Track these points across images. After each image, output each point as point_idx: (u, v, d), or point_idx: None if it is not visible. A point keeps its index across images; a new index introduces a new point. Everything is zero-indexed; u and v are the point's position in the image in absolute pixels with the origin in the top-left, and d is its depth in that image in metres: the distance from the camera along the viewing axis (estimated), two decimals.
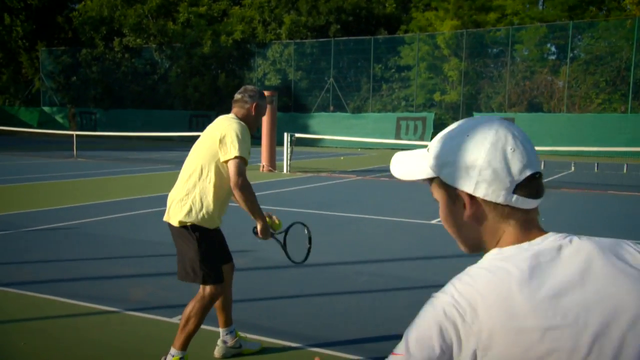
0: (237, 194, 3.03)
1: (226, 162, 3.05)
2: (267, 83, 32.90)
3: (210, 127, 3.26)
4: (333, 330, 3.91)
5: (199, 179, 3.11)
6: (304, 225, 3.43)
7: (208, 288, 3.13)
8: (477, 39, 29.26)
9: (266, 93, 15.61)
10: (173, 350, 3.16)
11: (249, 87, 3.40)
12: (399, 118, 29.47)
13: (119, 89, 37.58)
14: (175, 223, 3.11)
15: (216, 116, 3.33)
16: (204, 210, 3.10)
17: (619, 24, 26.92)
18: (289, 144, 15.31)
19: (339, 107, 31.67)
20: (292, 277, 5.23)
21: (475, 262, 1.02)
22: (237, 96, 3.36)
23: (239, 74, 34.16)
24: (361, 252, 6.30)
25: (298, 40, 32.73)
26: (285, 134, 15.47)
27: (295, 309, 4.35)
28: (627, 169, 16.80)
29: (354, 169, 16.67)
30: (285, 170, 15.09)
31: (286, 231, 3.38)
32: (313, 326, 3.99)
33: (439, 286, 4.14)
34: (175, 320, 3.99)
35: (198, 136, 3.51)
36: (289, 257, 3.39)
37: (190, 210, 3.08)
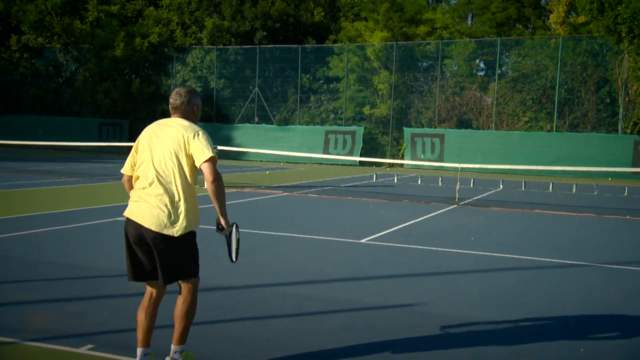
0: (213, 188, 3.43)
1: (201, 164, 3.45)
2: None
3: (166, 129, 3.53)
4: (260, 358, 3.89)
5: (181, 182, 3.44)
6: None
7: (195, 279, 3.56)
8: (407, 52, 30.35)
9: None
10: (178, 347, 3.57)
11: (182, 89, 3.66)
12: (327, 131, 29.91)
13: (17, 93, 35.68)
14: (176, 234, 3.39)
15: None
16: (196, 213, 3.52)
17: (544, 42, 28.88)
18: None
19: (265, 119, 31.71)
20: (214, 300, 5.16)
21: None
22: (176, 102, 3.63)
23: (156, 80, 33.42)
24: (288, 273, 6.32)
25: (221, 46, 32.55)
26: None
27: (219, 335, 4.30)
28: (552, 188, 17.92)
29: (280, 184, 16.71)
30: (206, 185, 14.88)
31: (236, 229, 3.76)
32: (238, 353, 3.96)
33: (371, 308, 4.31)
34: (83, 350, 3.83)
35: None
36: (233, 255, 3.72)
37: (188, 217, 3.44)
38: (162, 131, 3.53)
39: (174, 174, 3.43)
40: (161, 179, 3.42)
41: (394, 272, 6.58)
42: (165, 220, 3.37)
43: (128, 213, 3.48)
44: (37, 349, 3.85)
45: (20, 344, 3.91)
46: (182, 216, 3.41)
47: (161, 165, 3.44)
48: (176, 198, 3.41)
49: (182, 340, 3.58)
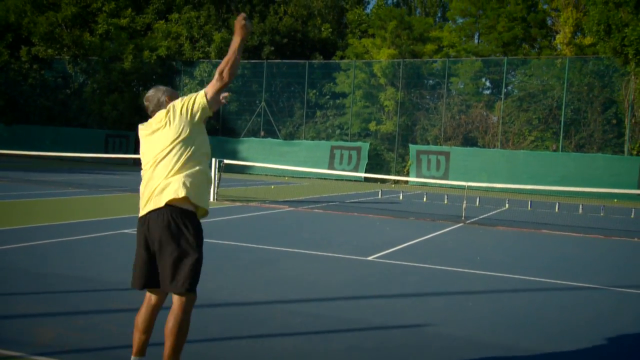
0: (226, 74, 3.38)
1: (205, 95, 3.42)
2: None
3: (153, 121, 3.49)
4: None
5: (183, 165, 3.32)
6: None
7: (191, 295, 3.25)
8: (414, 70, 30.45)
9: None
10: None
11: (148, 95, 3.67)
12: (333, 147, 29.93)
13: (25, 103, 35.87)
14: (177, 196, 3.20)
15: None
16: (199, 188, 3.33)
17: (550, 62, 28.95)
18: (217, 170, 15.13)
19: (271, 133, 31.77)
20: (219, 316, 5.10)
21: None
22: (151, 108, 3.67)
23: None
24: (294, 290, 6.26)
25: None
26: (214, 160, 15.29)
27: (225, 353, 4.24)
28: (558, 208, 17.82)
29: (285, 199, 16.68)
30: (212, 199, 14.87)
31: None
32: None
33: (380, 328, 4.24)
34: None
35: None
36: None
37: (187, 185, 3.27)
38: (152, 127, 3.75)
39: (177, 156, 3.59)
40: (162, 167, 3.62)
41: (401, 291, 6.52)
42: (165, 192, 3.56)
43: None
44: None
45: (27, 358, 3.86)
46: (181, 182, 3.47)
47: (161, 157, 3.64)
48: (178, 171, 3.56)
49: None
